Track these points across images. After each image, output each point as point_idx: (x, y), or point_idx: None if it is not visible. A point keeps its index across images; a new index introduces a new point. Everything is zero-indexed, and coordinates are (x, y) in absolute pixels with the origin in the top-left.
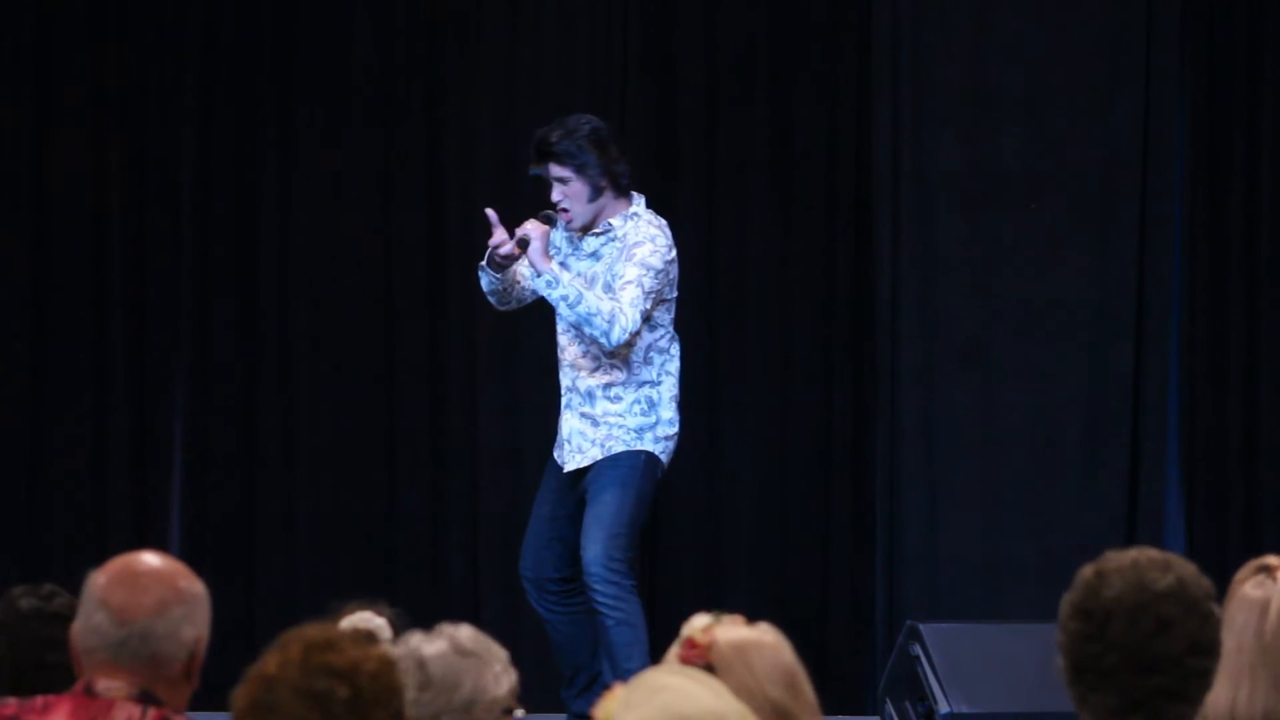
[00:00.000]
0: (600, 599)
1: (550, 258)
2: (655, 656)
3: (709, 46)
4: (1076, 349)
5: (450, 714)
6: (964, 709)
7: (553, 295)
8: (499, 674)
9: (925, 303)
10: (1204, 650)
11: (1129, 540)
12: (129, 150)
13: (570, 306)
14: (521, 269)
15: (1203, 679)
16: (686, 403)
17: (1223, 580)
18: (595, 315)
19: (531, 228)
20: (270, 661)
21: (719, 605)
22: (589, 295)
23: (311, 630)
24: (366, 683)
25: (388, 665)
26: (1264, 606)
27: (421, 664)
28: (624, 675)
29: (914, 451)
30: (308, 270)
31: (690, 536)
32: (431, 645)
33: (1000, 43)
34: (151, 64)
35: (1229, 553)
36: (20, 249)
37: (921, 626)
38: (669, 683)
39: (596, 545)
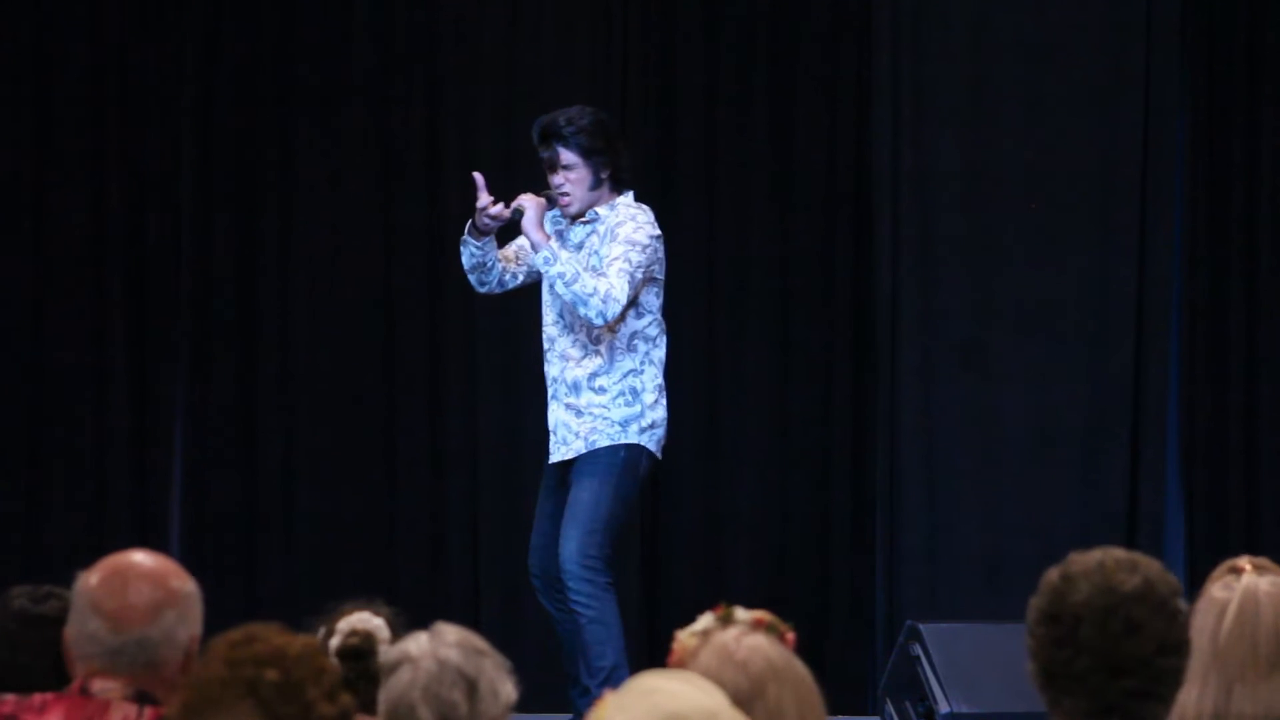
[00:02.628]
0: (575, 596)
1: (548, 234)
2: (653, 656)
3: (709, 46)
4: (1076, 349)
5: None
6: (964, 709)
7: (550, 271)
8: (508, 670)
9: (925, 303)
10: (1173, 649)
11: (1129, 540)
12: (129, 152)
13: (567, 285)
14: (508, 251)
15: (1173, 677)
16: (687, 402)
17: None
18: (592, 295)
19: (526, 199)
20: (197, 668)
21: (718, 605)
22: (585, 274)
23: (230, 632)
24: (294, 665)
25: (311, 648)
26: (1223, 608)
27: (462, 673)
28: (596, 673)
29: (914, 451)
30: (308, 270)
31: (690, 536)
32: (450, 650)
33: (1000, 43)
34: (151, 65)
35: (1229, 553)
36: (20, 249)
37: (921, 626)
38: (660, 685)
39: (572, 542)
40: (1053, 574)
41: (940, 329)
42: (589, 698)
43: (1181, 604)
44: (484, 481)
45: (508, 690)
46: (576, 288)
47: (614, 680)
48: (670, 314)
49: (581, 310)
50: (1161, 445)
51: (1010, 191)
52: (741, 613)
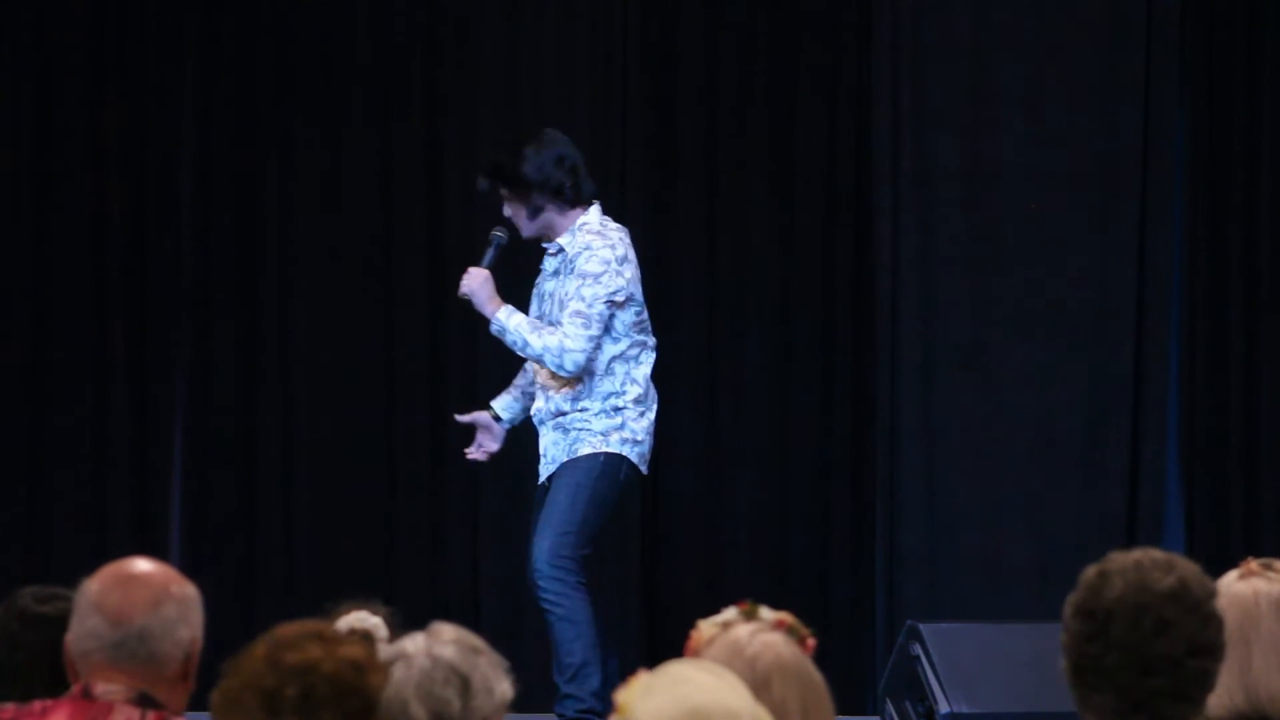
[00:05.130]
0: (544, 595)
1: (500, 302)
2: (653, 655)
3: (709, 46)
4: (1076, 349)
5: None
6: (964, 709)
7: (505, 340)
8: (504, 669)
9: (925, 303)
10: (1204, 652)
11: (1129, 541)
12: (129, 151)
13: (522, 350)
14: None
15: (1204, 680)
16: (687, 402)
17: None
18: (544, 353)
19: (466, 284)
20: (245, 653)
21: (719, 605)
22: (533, 337)
23: (293, 626)
24: (318, 682)
25: (350, 667)
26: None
27: (455, 670)
28: (565, 669)
29: (914, 451)
30: (308, 270)
31: (690, 536)
32: (445, 648)
33: (1000, 43)
34: (151, 64)
35: (1229, 553)
36: (20, 249)
37: (921, 626)
38: (691, 675)
39: (544, 543)
40: (1090, 570)
41: (940, 329)
42: (559, 695)
43: (1216, 608)
44: (484, 481)
45: (503, 688)
46: (530, 351)
47: (582, 677)
48: (670, 314)
49: (546, 363)
50: (1161, 445)
51: (1010, 191)
52: (766, 612)
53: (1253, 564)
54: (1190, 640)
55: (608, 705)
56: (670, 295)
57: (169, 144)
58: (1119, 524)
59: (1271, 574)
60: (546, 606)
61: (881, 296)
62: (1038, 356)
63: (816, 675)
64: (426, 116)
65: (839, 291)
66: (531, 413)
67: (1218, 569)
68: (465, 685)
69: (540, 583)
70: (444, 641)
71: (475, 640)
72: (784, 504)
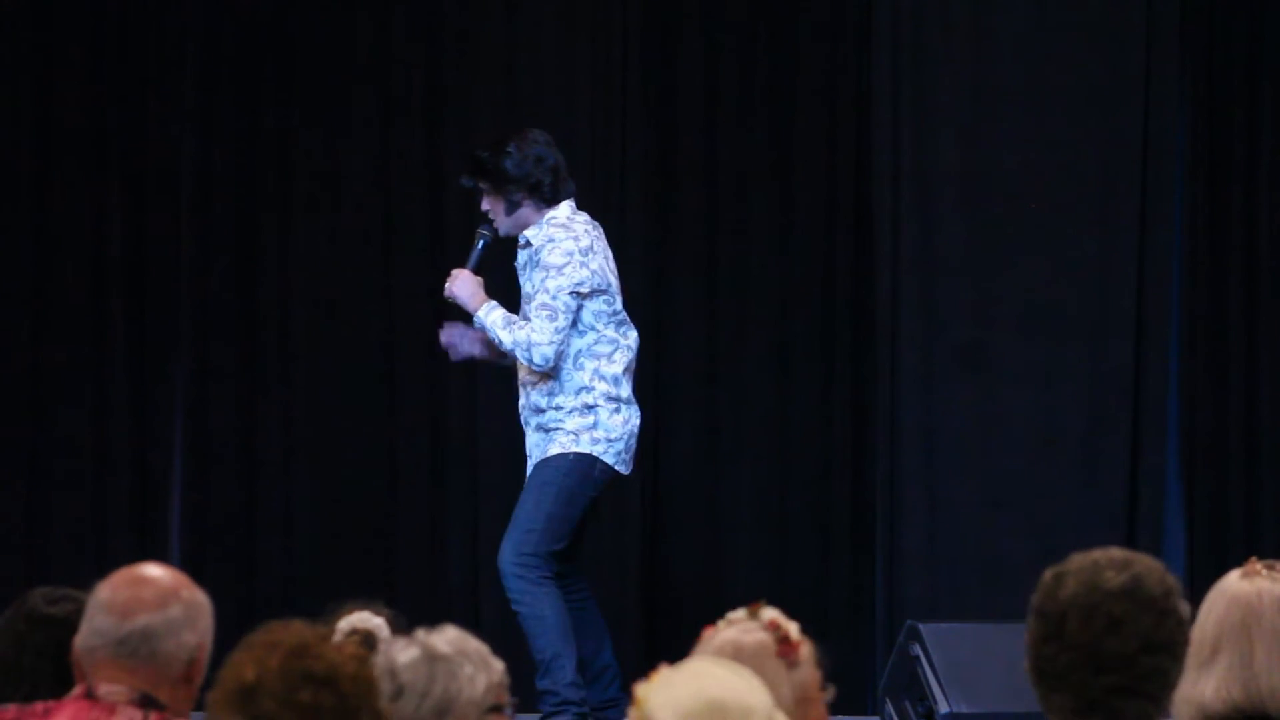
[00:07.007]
0: (509, 593)
1: (484, 299)
2: (653, 655)
3: (709, 47)
4: (1076, 349)
5: None
6: (964, 709)
7: (489, 336)
8: (472, 675)
9: (925, 303)
10: (1160, 648)
11: (1129, 540)
12: (129, 150)
13: (500, 346)
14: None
15: (1160, 678)
16: (687, 402)
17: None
18: (515, 348)
19: (449, 287)
20: (248, 669)
21: (719, 605)
22: (504, 333)
23: (285, 634)
24: (349, 687)
25: (362, 663)
26: (1229, 602)
27: (393, 673)
28: (537, 666)
29: (914, 451)
30: (308, 270)
31: (690, 536)
32: (404, 653)
33: (1000, 43)
34: (152, 63)
35: (1229, 553)
36: (20, 249)
37: (921, 626)
38: (711, 670)
39: (509, 542)
40: (1048, 572)
41: (940, 329)
42: (537, 692)
43: (1178, 604)
44: (484, 481)
45: (465, 698)
46: (505, 347)
47: (554, 670)
48: (670, 314)
49: (521, 360)
50: (1161, 445)
51: (1010, 191)
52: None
53: (1257, 564)
54: (1144, 637)
55: (585, 692)
56: (670, 296)
57: (169, 144)
58: (1119, 524)
59: (1275, 573)
60: (512, 604)
61: (881, 297)
62: (1038, 356)
63: None
64: (426, 116)
65: (839, 292)
66: (519, 410)
67: (1218, 569)
68: (399, 691)
69: (505, 581)
70: (409, 645)
71: (449, 648)
72: (784, 504)
